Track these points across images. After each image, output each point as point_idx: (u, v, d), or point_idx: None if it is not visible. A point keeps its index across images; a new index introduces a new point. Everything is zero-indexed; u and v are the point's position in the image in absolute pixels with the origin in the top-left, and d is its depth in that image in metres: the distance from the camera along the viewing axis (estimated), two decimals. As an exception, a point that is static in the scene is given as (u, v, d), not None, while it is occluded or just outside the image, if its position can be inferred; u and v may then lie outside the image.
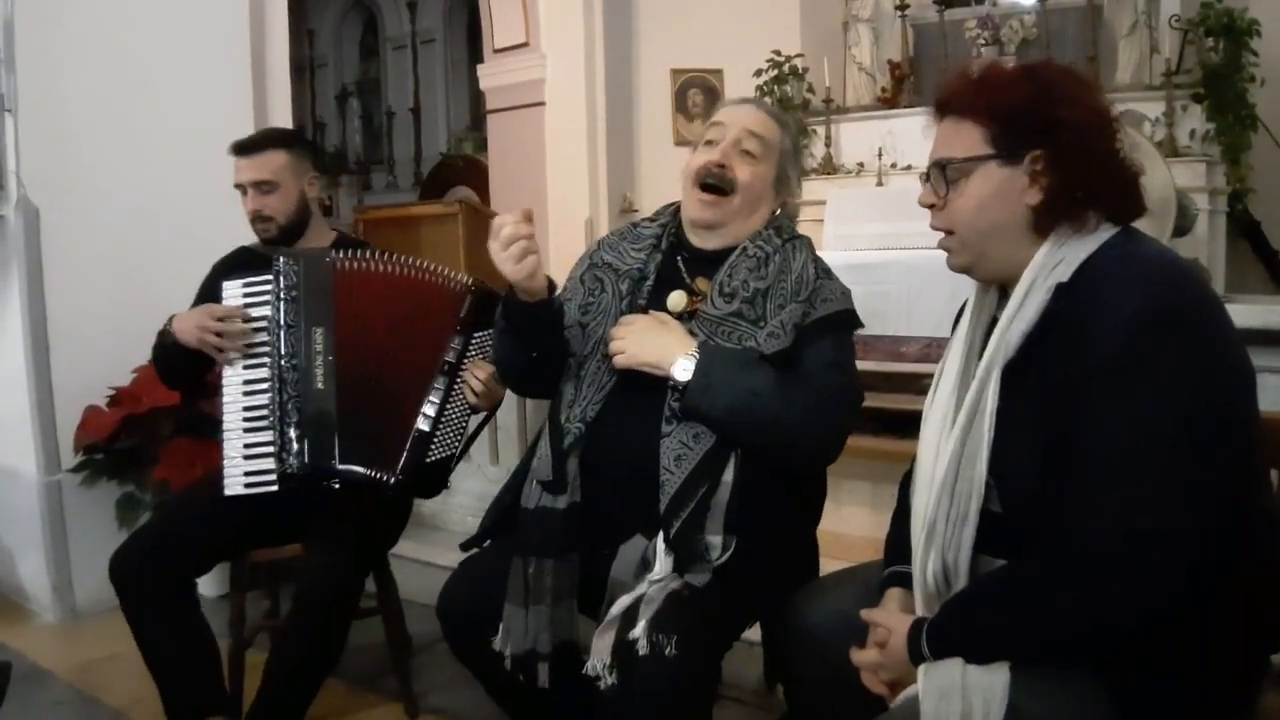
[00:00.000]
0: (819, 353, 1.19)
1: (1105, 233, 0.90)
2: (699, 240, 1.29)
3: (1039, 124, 0.89)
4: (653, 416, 1.18)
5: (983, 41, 4.25)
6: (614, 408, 1.22)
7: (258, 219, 1.66)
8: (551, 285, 1.21)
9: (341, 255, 1.54)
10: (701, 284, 1.27)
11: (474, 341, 1.53)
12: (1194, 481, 0.80)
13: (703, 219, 1.27)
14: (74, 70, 2.28)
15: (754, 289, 1.21)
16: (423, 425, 1.50)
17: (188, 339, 1.53)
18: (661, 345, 1.17)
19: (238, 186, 1.66)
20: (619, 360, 1.19)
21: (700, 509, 1.14)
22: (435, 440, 1.51)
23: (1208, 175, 3.68)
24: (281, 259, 1.53)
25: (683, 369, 1.15)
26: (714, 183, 1.24)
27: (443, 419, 1.51)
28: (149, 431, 2.21)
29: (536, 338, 1.23)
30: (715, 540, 1.14)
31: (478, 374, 1.51)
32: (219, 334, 1.51)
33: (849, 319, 1.25)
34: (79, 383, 2.24)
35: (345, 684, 1.83)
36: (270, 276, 1.52)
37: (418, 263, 1.55)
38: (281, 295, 1.50)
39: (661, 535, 1.13)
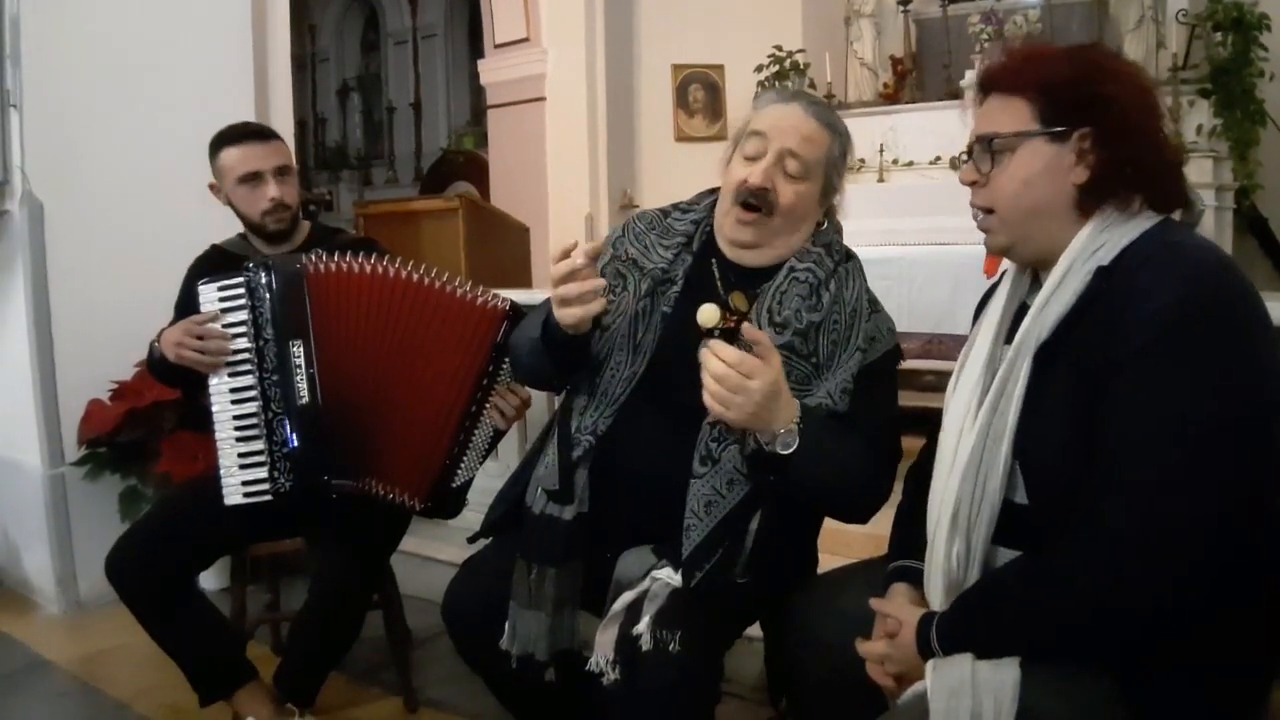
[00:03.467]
0: (876, 406, 1.13)
1: (1147, 220, 0.89)
2: (736, 256, 1.20)
3: (1088, 100, 0.88)
4: (666, 431, 1.14)
5: (986, 36, 4.22)
6: (626, 421, 1.17)
7: (278, 207, 1.59)
8: (597, 321, 1.14)
9: (314, 258, 1.46)
10: (738, 300, 1.17)
11: (505, 365, 1.48)
12: (1224, 472, 0.79)
13: (741, 239, 1.18)
14: (79, 66, 2.28)
15: (808, 321, 1.12)
16: (451, 452, 1.47)
17: (169, 356, 1.49)
18: (769, 416, 1.01)
19: (250, 175, 1.59)
20: (717, 415, 1.02)
21: (725, 561, 1.09)
22: (461, 467, 1.49)
23: (1214, 171, 3.66)
24: (250, 268, 1.46)
25: (784, 444, 1.02)
26: (754, 203, 1.16)
27: (470, 444, 1.49)
28: (152, 425, 2.21)
29: (572, 366, 1.18)
30: (739, 580, 1.12)
31: (510, 400, 1.48)
32: (200, 350, 1.45)
33: (896, 355, 1.19)
34: (82, 376, 2.25)
35: (345, 677, 1.84)
36: (241, 277, 1.47)
37: (435, 273, 1.47)
38: (255, 307, 1.45)
39: (682, 577, 1.09)
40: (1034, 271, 0.97)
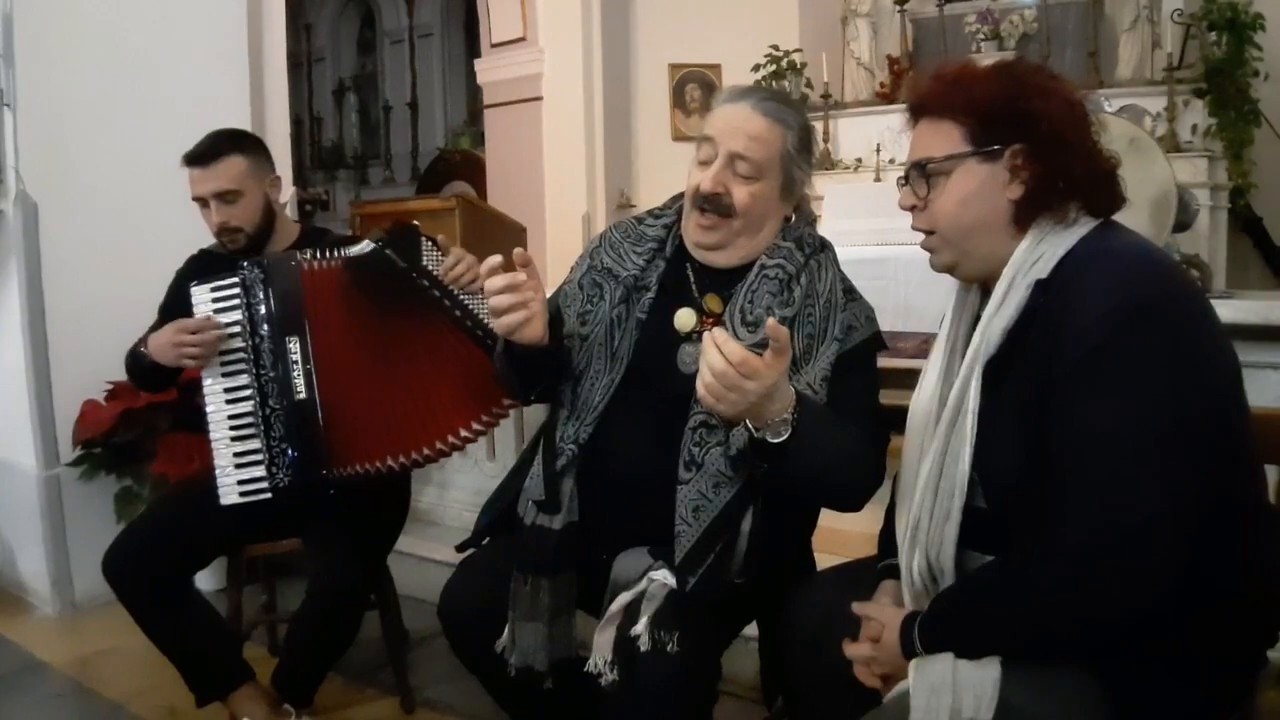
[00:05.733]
0: (856, 394, 1.13)
1: (1084, 227, 0.91)
2: (703, 258, 1.19)
3: (1016, 117, 0.90)
4: (650, 436, 1.14)
5: (982, 36, 4.24)
6: (610, 428, 1.17)
7: (224, 231, 1.58)
8: (554, 328, 1.13)
9: (310, 256, 1.47)
10: (712, 302, 1.17)
11: (426, 265, 1.44)
12: (1172, 473, 0.80)
13: (703, 242, 1.18)
14: (73, 65, 2.27)
15: (780, 317, 1.10)
16: (487, 344, 1.41)
17: (165, 359, 1.49)
18: (760, 411, 0.98)
19: (197, 199, 1.58)
20: (707, 407, 1.00)
21: (720, 564, 1.09)
22: (489, 333, 1.42)
23: (1209, 171, 3.67)
24: (245, 266, 1.47)
25: (775, 433, 1.00)
26: (710, 208, 1.16)
27: (488, 327, 1.40)
28: (147, 425, 2.21)
29: (535, 376, 1.18)
30: (735, 581, 1.12)
31: (457, 271, 1.43)
32: (195, 346, 1.46)
33: (876, 343, 1.19)
34: (77, 377, 2.24)
35: (342, 678, 1.83)
36: (236, 277, 1.47)
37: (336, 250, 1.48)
38: (250, 305, 1.45)
39: (676, 582, 1.09)
40: (983, 284, 0.98)
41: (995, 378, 0.90)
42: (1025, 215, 0.91)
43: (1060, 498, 0.83)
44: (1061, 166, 0.89)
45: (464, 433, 1.47)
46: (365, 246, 1.49)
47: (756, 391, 0.95)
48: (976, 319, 0.96)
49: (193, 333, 1.46)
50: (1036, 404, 0.85)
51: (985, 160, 0.91)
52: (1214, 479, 0.82)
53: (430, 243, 1.48)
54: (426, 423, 1.47)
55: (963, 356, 0.94)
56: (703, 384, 0.96)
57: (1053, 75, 0.95)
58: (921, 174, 0.95)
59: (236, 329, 1.48)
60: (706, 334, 0.97)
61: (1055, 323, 0.85)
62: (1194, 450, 0.81)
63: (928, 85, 0.96)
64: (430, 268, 1.47)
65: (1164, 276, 0.86)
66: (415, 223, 1.53)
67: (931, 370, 1.00)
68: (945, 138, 0.93)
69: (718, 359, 0.94)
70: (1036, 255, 0.90)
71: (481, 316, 1.45)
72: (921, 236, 0.98)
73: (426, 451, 1.48)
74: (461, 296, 1.46)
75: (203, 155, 1.58)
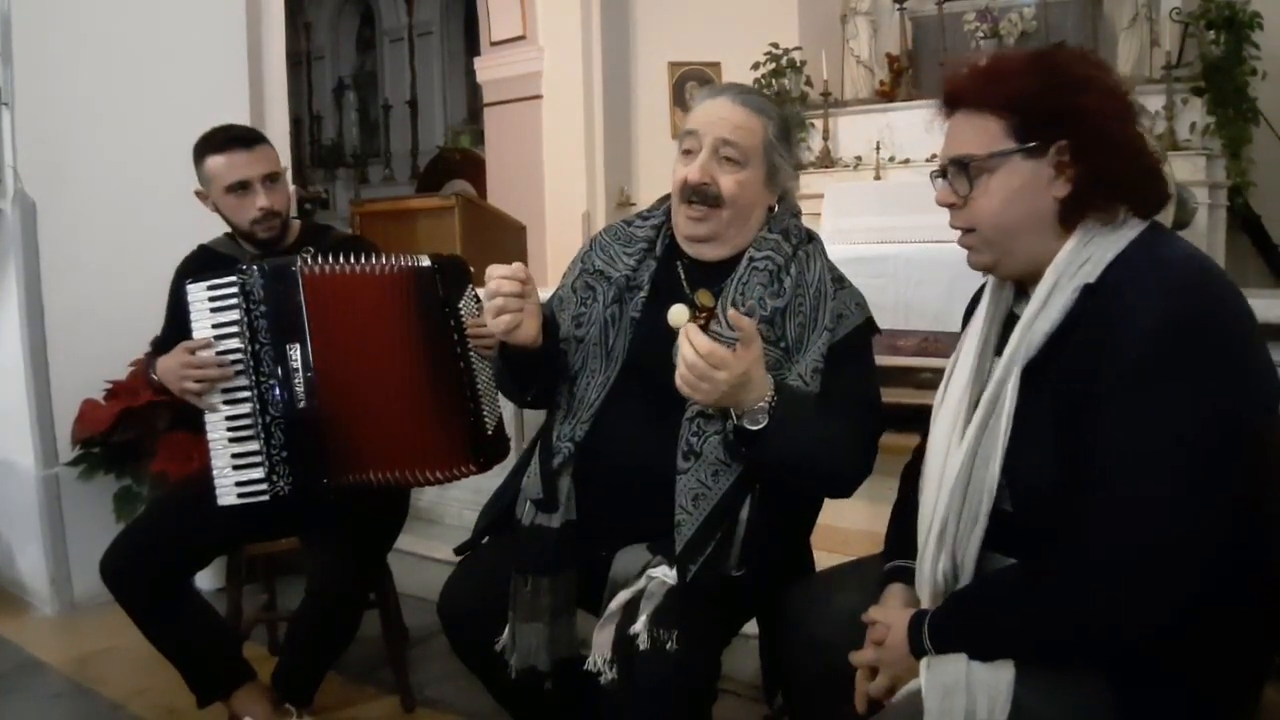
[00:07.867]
0: (848, 384, 1.14)
1: (1132, 230, 0.88)
2: (695, 252, 1.22)
3: (1060, 112, 0.86)
4: (648, 432, 1.15)
5: (981, 35, 4.24)
6: (607, 426, 1.18)
7: (269, 216, 1.56)
8: (548, 330, 1.16)
9: (309, 260, 1.45)
10: (704, 297, 1.19)
11: (461, 309, 1.47)
12: (1207, 492, 0.79)
13: (695, 234, 1.20)
14: (71, 64, 2.27)
15: (772, 308, 1.14)
16: (468, 408, 1.44)
17: (173, 387, 1.48)
18: (736, 399, 1.05)
19: (238, 184, 1.55)
20: (686, 395, 1.05)
21: (719, 553, 1.10)
22: (485, 414, 1.47)
23: (1208, 169, 3.68)
24: (244, 270, 1.43)
25: (753, 420, 1.05)
26: (697, 199, 1.18)
27: (479, 393, 1.46)
28: (146, 424, 2.20)
29: (530, 378, 1.21)
30: (734, 574, 1.13)
31: (482, 332, 1.45)
32: (201, 379, 1.44)
33: (869, 329, 1.20)
34: (76, 376, 2.24)
35: (342, 676, 1.83)
36: (234, 278, 1.45)
37: (384, 257, 1.49)
38: (250, 309, 1.43)
39: (677, 572, 1.10)
40: (1017, 282, 0.96)
41: (1032, 380, 0.87)
42: (1071, 215, 0.87)
43: (1091, 509, 0.81)
44: (1109, 163, 0.86)
45: (433, 474, 1.47)
46: (423, 260, 1.48)
47: (727, 381, 1.02)
48: (1010, 317, 0.93)
49: (196, 366, 1.44)
50: (1073, 411, 0.83)
51: (1029, 157, 0.88)
52: (1243, 494, 0.81)
53: (475, 293, 1.49)
54: (416, 448, 1.46)
55: (995, 355, 0.92)
56: (679, 375, 1.04)
57: (1095, 64, 0.91)
58: (962, 171, 0.91)
59: (234, 329, 1.46)
60: (681, 328, 1.04)
61: (1101, 331, 0.83)
62: (1223, 471, 0.79)
63: (964, 76, 0.92)
64: (463, 313, 1.48)
65: (1212, 290, 0.84)
66: (470, 268, 1.54)
67: (961, 369, 0.97)
68: (985, 133, 0.89)
69: (689, 350, 1.02)
70: (1084, 258, 0.86)
71: (479, 384, 1.47)
72: (960, 234, 0.95)
73: (410, 475, 1.47)
74: (471, 354, 1.47)
75: (249, 138, 1.57)
